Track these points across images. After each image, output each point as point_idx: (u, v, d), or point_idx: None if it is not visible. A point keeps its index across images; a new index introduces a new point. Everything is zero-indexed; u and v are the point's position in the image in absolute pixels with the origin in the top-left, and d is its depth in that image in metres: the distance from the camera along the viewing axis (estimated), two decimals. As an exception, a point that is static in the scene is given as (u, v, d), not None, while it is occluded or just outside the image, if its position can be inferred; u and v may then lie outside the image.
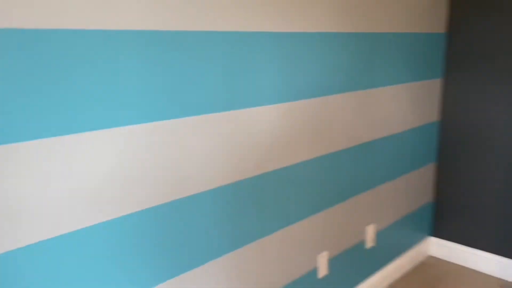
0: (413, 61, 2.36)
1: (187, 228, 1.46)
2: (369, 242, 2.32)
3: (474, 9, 2.47)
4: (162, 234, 1.39)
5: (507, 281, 2.55)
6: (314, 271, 2.01)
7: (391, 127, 2.31)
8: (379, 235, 2.39)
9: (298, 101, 1.73)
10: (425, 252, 2.82)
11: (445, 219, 2.78)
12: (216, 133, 1.49)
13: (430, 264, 2.75)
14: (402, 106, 2.35)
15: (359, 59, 1.99)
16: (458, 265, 2.73)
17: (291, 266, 1.88)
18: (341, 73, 1.91)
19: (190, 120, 1.40)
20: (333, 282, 2.13)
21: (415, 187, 2.61)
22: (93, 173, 1.20)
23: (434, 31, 2.48)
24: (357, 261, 2.27)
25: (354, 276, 2.27)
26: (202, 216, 1.50)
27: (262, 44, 1.57)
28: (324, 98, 1.85)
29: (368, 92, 2.09)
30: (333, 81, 1.88)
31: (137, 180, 1.30)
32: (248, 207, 1.65)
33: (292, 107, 1.73)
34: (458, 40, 2.55)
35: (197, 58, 1.38)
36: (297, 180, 1.82)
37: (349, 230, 2.17)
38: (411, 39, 2.31)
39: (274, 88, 1.65)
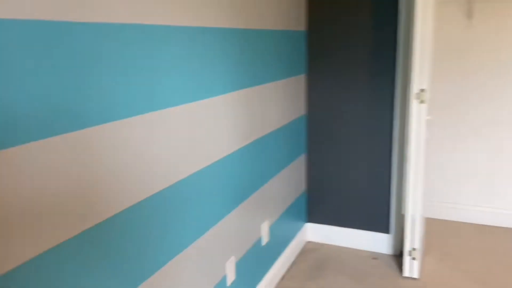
0: (284, 58, 2.43)
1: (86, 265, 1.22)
2: (265, 238, 2.32)
3: (328, 9, 2.67)
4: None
5: (378, 252, 2.85)
6: (224, 279, 1.91)
7: (271, 124, 2.34)
8: (271, 230, 2.41)
9: (178, 107, 1.54)
10: (304, 238, 2.96)
11: (317, 205, 2.96)
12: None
13: (311, 249, 2.91)
14: (279, 102, 2.41)
15: (242, 57, 1.95)
16: (334, 246, 2.95)
17: (203, 280, 1.76)
18: (225, 72, 1.83)
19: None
20: (240, 286, 2.07)
21: (293, 178, 2.72)
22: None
23: (297, 28, 2.60)
24: (257, 259, 2.25)
25: (256, 275, 2.25)
26: (105, 249, 1.27)
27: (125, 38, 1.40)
28: (210, 100, 1.75)
29: (252, 90, 2.08)
30: (219, 80, 1.78)
31: None
32: (145, 235, 1.47)
33: (172, 113, 1.58)
34: (316, 38, 2.74)
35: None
36: (192, 194, 1.69)
37: (249, 230, 2.14)
38: (280, 36, 2.37)
39: (145, 93, 1.41)
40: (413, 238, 2.47)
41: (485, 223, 3.21)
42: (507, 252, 2.80)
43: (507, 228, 3.14)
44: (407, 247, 2.50)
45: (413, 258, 2.50)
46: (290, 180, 2.66)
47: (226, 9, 1.77)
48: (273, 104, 2.33)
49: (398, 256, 2.79)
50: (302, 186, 2.89)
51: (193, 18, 1.56)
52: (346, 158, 2.82)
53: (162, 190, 1.44)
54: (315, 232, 2.99)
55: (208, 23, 1.65)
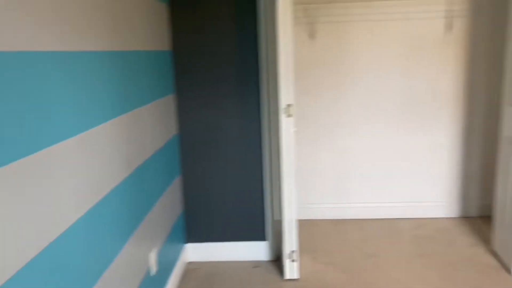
0: (153, 79, 2.38)
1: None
2: (154, 268, 2.22)
3: (191, 28, 2.70)
4: None
5: (258, 260, 2.97)
6: (123, 321, 1.78)
7: (149, 149, 2.26)
8: (158, 257, 2.32)
9: (51, 147, 1.30)
10: (185, 260, 2.92)
11: (195, 224, 2.96)
12: None
13: (193, 269, 2.88)
14: (153, 126, 2.34)
15: (114, 81, 1.84)
16: (216, 262, 2.97)
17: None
18: (99, 99, 1.69)
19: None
20: (137, 324, 1.94)
21: (172, 201, 2.66)
22: None
23: (162, 48, 2.57)
24: (149, 291, 2.14)
25: (149, 309, 2.14)
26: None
27: None
28: (90, 132, 1.61)
29: (128, 116, 1.98)
30: (95, 109, 1.63)
31: None
32: None
33: (46, 156, 1.43)
34: (181, 57, 2.74)
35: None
36: (79, 244, 1.55)
37: (139, 264, 2.02)
38: (147, 57, 2.31)
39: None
40: (291, 241, 2.65)
41: (341, 217, 3.61)
42: (363, 240, 3.21)
43: (359, 219, 3.60)
44: (286, 251, 2.67)
45: (293, 260, 2.68)
46: (170, 204, 2.60)
47: (93, 30, 1.66)
48: (148, 128, 2.26)
49: (276, 261, 2.95)
50: (180, 207, 2.85)
51: (60, 42, 1.41)
52: (220, 174, 2.88)
53: (37, 255, 1.27)
54: (196, 252, 2.98)
55: (77, 47, 1.51)
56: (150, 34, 2.32)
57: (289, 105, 2.46)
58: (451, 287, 2.57)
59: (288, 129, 2.50)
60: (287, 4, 2.37)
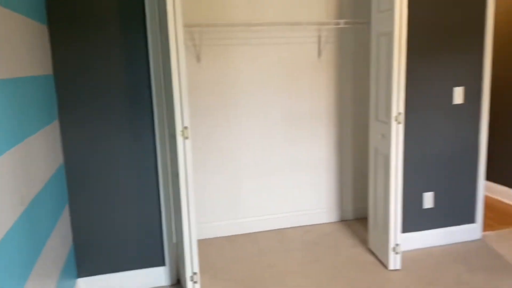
0: (37, 107, 2.21)
1: None
2: (50, 311, 2.05)
3: (75, 51, 2.57)
4: None
5: (157, 286, 2.90)
6: None
7: (39, 182, 2.09)
8: (52, 299, 2.14)
9: None
10: (77, 297, 2.73)
11: (87, 256, 2.78)
12: None
13: (87, 306, 2.70)
14: (40, 156, 2.17)
15: (0, 112, 1.68)
16: (112, 294, 2.83)
17: None
18: None
19: None
20: None
21: (63, 234, 2.48)
22: None
23: (44, 73, 2.40)
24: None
25: None
26: None
27: None
28: None
29: (18, 148, 1.81)
30: None
31: None
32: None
33: None
34: (64, 81, 2.59)
35: None
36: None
37: (36, 307, 1.85)
38: (31, 83, 2.15)
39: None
40: (192, 263, 2.66)
41: (235, 233, 3.72)
42: (259, 252, 3.35)
43: (252, 233, 3.74)
44: (188, 273, 2.67)
45: (195, 282, 2.69)
46: (61, 238, 2.41)
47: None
48: (37, 159, 2.09)
49: (176, 285, 2.92)
50: (69, 241, 2.65)
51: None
52: (111, 201, 2.76)
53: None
54: (89, 286, 2.79)
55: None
56: (32, 58, 2.15)
57: (185, 128, 2.49)
58: (341, 287, 2.83)
59: (185, 151, 2.52)
60: (178, 28, 2.41)
